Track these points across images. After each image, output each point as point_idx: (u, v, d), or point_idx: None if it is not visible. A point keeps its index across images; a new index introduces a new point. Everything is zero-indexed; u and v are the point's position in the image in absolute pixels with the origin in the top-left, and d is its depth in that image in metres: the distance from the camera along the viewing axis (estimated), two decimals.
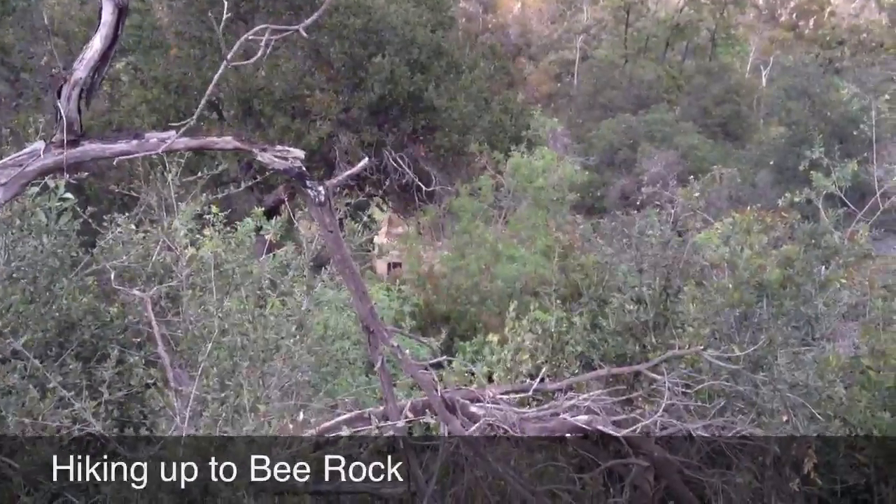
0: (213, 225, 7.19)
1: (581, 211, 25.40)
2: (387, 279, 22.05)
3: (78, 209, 6.17)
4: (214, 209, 7.26)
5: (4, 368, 4.65)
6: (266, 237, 8.35)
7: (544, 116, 31.04)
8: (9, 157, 4.69)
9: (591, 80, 55.23)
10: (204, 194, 7.33)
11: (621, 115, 43.91)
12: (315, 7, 21.03)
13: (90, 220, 6.28)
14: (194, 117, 4.00)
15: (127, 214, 6.47)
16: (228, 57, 4.05)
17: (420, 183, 23.93)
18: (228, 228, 7.38)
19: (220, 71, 4.15)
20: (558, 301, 9.17)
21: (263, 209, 8.90)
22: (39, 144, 4.71)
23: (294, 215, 8.66)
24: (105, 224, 6.36)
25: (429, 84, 23.03)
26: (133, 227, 6.44)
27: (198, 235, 7.06)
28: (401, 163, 23.73)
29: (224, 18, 4.20)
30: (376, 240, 24.38)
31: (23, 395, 4.41)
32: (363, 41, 22.50)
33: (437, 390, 5.52)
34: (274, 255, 7.91)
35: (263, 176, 10.25)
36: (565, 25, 70.66)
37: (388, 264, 26.27)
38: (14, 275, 5.39)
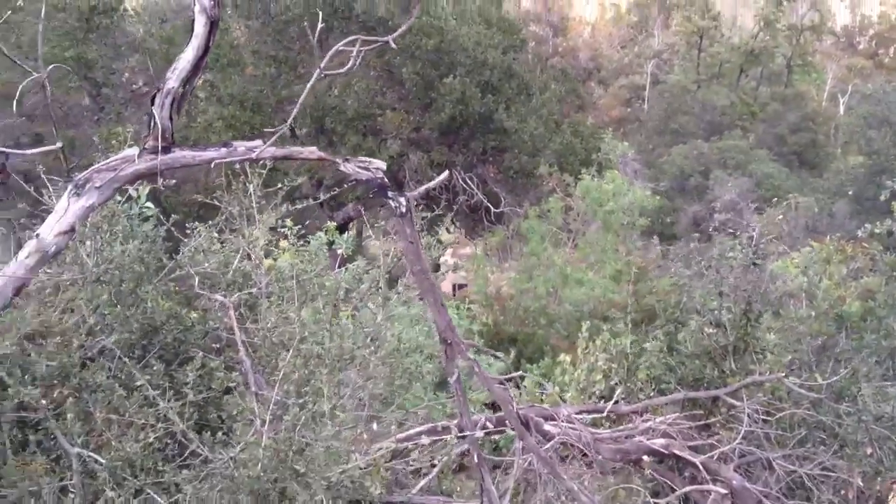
0: (287, 238, 7.33)
1: (651, 237, 25.03)
2: (454, 299, 22.08)
3: (161, 217, 6.36)
4: (289, 222, 7.40)
5: (94, 367, 4.77)
6: (338, 251, 8.46)
7: (615, 140, 30.73)
8: (103, 162, 4.84)
9: (662, 105, 54.52)
10: (281, 207, 7.46)
11: (693, 141, 43.25)
12: (387, 27, 21.34)
13: (172, 229, 6.45)
14: (287, 124, 4.08)
15: (209, 223, 6.60)
16: (322, 65, 4.12)
17: (489, 204, 23.94)
18: (302, 242, 7.52)
19: (312, 80, 4.23)
20: (630, 325, 9.02)
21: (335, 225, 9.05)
22: (133, 150, 4.85)
23: (369, 229, 8.74)
24: (187, 232, 6.51)
25: (499, 105, 23.10)
26: (215, 235, 6.56)
27: (272, 248, 7.20)
28: (470, 183, 23.79)
29: (318, 29, 4.29)
30: (442, 259, 24.44)
31: (109, 393, 4.51)
32: (435, 62, 22.72)
33: (512, 406, 5.46)
34: (346, 268, 8.00)
35: (338, 191, 10.39)
36: (636, 50, 70.34)
37: (454, 285, 26.28)
38: (101, 278, 5.54)
